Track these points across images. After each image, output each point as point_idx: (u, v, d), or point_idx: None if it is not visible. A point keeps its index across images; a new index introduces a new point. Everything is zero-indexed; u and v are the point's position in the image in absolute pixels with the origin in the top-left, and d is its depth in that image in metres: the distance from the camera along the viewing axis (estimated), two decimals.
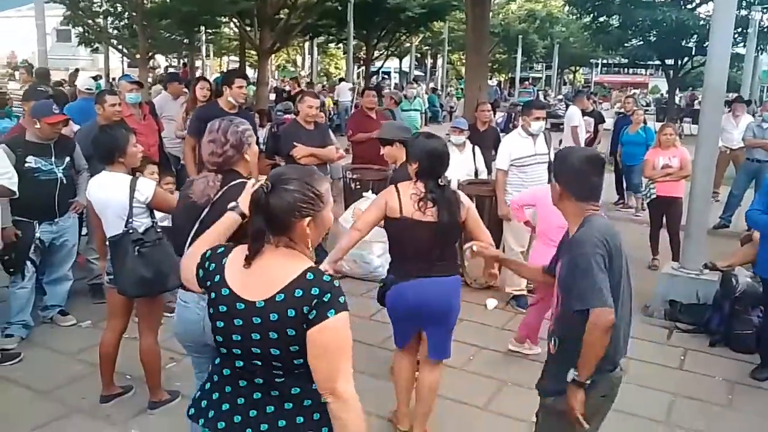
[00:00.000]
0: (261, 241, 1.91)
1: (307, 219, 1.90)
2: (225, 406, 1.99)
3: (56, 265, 4.98)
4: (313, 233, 1.94)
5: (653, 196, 6.96)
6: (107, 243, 3.69)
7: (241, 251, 1.97)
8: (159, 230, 3.64)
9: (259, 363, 1.90)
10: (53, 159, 4.66)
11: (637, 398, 4.20)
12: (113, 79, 18.76)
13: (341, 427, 1.85)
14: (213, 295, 1.96)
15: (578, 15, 25.48)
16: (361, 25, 25.45)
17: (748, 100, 11.71)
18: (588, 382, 2.41)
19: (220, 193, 2.75)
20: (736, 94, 13.34)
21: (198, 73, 27.56)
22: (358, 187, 6.48)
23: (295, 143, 5.76)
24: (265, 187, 1.88)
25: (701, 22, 20.52)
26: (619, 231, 2.56)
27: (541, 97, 28.40)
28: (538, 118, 5.60)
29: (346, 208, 6.69)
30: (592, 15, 23.92)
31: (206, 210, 2.75)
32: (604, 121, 10.89)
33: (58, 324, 4.99)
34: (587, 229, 2.49)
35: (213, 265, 2.00)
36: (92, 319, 5.05)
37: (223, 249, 2.03)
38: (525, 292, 5.70)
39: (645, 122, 9.63)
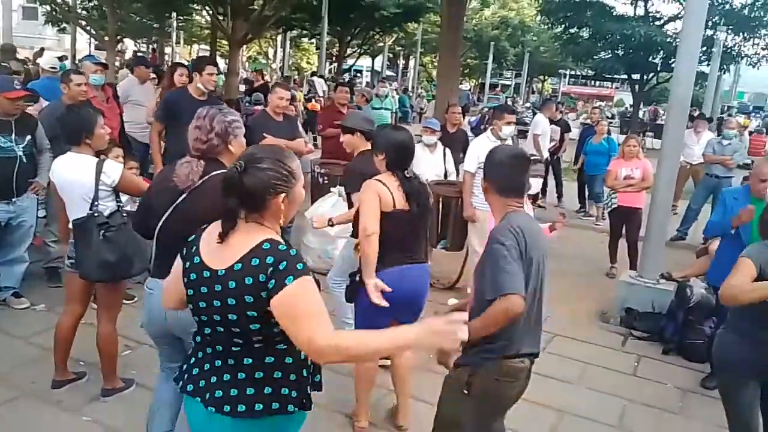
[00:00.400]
0: (233, 221, 1.98)
1: (282, 195, 1.97)
2: (195, 371, 2.10)
3: (12, 246, 4.86)
4: (287, 209, 2.02)
5: (614, 206, 7.09)
6: (70, 226, 3.60)
7: (217, 226, 2.03)
8: (124, 214, 3.57)
9: (221, 330, 1.98)
10: (13, 136, 4.53)
11: (591, 402, 4.29)
12: (78, 61, 18.33)
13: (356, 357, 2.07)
14: (187, 264, 2.06)
15: (550, 25, 25.79)
16: (335, 22, 25.37)
17: (710, 117, 12.01)
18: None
19: (200, 181, 2.69)
20: (698, 112, 13.69)
21: (167, 60, 27.14)
22: (326, 182, 6.44)
23: (264, 134, 5.72)
24: (238, 167, 1.93)
25: (668, 39, 20.96)
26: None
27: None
28: (509, 123, 5.66)
29: (313, 202, 6.66)
30: (563, 25, 24.23)
31: (183, 195, 2.71)
32: (570, 130, 11.05)
33: (12, 306, 4.87)
34: (504, 222, 2.59)
35: (194, 237, 2.11)
36: (47, 303, 4.94)
37: (206, 226, 2.11)
38: None
39: (609, 133, 9.81)
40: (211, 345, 2.05)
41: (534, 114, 12.64)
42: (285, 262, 1.90)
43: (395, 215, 3.34)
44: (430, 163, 6.38)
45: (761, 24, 20.80)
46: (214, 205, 2.54)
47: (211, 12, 20.40)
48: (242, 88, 20.04)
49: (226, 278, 1.93)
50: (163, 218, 2.74)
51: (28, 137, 4.67)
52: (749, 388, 3.03)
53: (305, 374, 2.09)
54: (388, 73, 38.38)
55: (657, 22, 23.04)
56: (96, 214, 3.44)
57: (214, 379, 2.04)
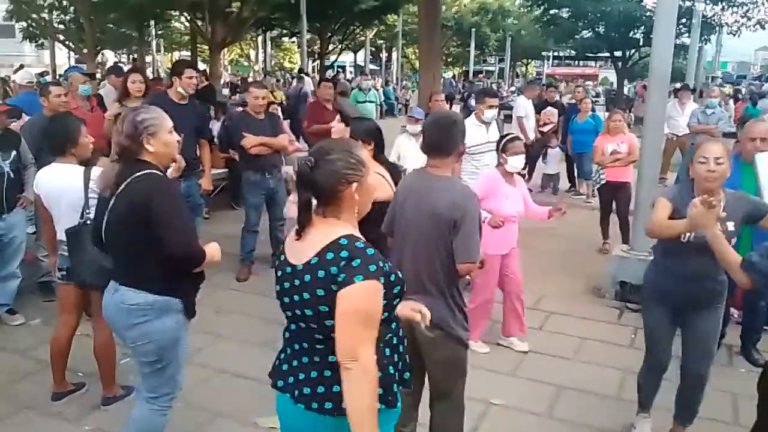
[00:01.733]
0: (308, 215, 1.98)
1: (354, 185, 1.97)
2: (284, 367, 2.11)
3: (4, 262, 4.85)
4: (361, 199, 2.00)
5: (603, 182, 7.12)
6: (58, 238, 3.60)
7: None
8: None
9: (303, 325, 2.00)
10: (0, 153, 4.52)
11: (589, 376, 4.33)
12: (62, 73, 18.21)
13: (354, 395, 1.86)
14: (277, 262, 2.12)
15: (529, 7, 25.82)
16: (314, 19, 25.26)
17: (693, 88, 12.07)
18: None
19: (124, 184, 2.68)
20: (682, 83, 13.72)
21: (149, 70, 27.02)
22: None
23: (244, 133, 5.73)
24: (309, 162, 1.95)
25: (647, 14, 21.00)
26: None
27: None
28: (491, 107, 5.69)
29: None
30: (542, 7, 24.27)
31: (113, 201, 2.71)
32: (565, 112, 11.06)
33: (6, 323, 4.86)
34: None
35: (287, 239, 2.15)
36: (42, 317, 4.94)
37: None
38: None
39: (593, 110, 9.83)
40: (298, 341, 2.06)
41: None
42: (359, 260, 1.88)
43: (391, 203, 3.29)
44: (416, 151, 6.38)
45: None
46: (134, 206, 2.63)
47: (189, 18, 20.29)
48: (225, 91, 20.00)
49: (303, 273, 1.95)
50: (103, 227, 2.78)
51: (14, 153, 4.67)
52: (656, 312, 3.40)
53: (392, 371, 2.06)
54: (372, 67, 38.33)
55: None
56: (88, 222, 3.44)
57: (302, 375, 2.03)
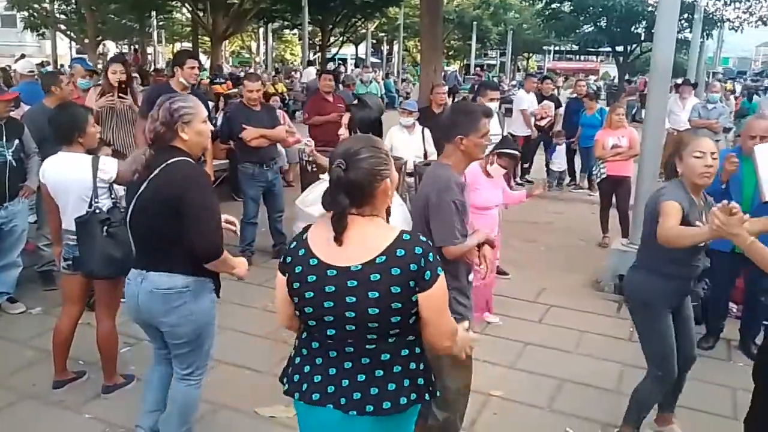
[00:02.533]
0: (345, 218, 1.94)
1: (387, 180, 1.98)
2: (317, 378, 2.03)
3: (5, 251, 4.86)
4: (391, 191, 2.04)
5: (603, 176, 7.12)
6: (64, 227, 3.60)
7: (320, 226, 2.03)
8: (122, 210, 3.58)
9: (353, 327, 1.94)
10: (4, 141, 4.53)
11: (589, 369, 4.34)
12: (68, 63, 18.14)
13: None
14: (299, 268, 2.00)
15: (531, 1, 25.77)
16: (316, 11, 25.20)
17: (695, 83, 12.05)
18: None
19: (158, 169, 2.70)
20: (683, 78, 13.70)
21: (151, 60, 26.96)
22: (314, 169, 6.45)
23: (243, 125, 5.75)
24: (341, 165, 1.92)
25: (650, 8, 20.96)
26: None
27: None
28: (492, 99, 5.69)
29: (303, 190, 6.67)
30: (544, 1, 24.23)
31: (143, 186, 2.74)
32: (561, 106, 11.04)
33: (7, 311, 4.87)
34: None
35: (294, 243, 2.07)
36: (43, 306, 4.96)
37: (303, 229, 2.10)
38: None
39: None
40: (337, 347, 2.00)
41: None
42: (431, 254, 1.93)
43: None
44: (409, 143, 6.41)
45: None
46: (168, 195, 2.67)
47: (191, 9, 20.26)
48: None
49: (366, 272, 1.90)
50: (129, 210, 2.80)
51: (16, 142, 4.67)
52: (664, 317, 3.28)
53: (428, 362, 2.12)
54: (373, 59, 38.23)
55: None
56: (97, 211, 3.46)
57: (346, 382, 1.99)
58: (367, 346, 1.96)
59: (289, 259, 2.04)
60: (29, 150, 4.82)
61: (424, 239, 1.98)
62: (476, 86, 18.98)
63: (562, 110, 10.79)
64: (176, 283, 2.78)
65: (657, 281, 3.25)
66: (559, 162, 10.29)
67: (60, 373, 3.86)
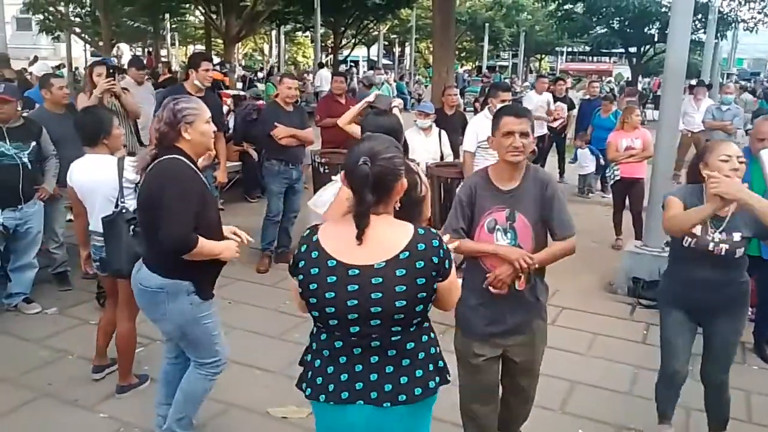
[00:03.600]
0: (369, 217, 1.98)
1: (404, 178, 2.06)
2: (344, 377, 2.07)
3: (21, 252, 4.91)
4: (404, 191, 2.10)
5: (617, 178, 7.09)
6: (91, 228, 3.69)
7: (331, 227, 2.09)
8: None
9: (378, 322, 1.99)
10: (7, 142, 4.57)
11: (602, 371, 4.33)
12: (83, 66, 18.30)
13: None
14: (316, 270, 2.01)
15: (544, 2, 25.66)
16: (328, 13, 25.24)
17: (709, 84, 11.97)
18: None
19: (150, 166, 2.82)
20: (697, 79, 13.62)
21: (163, 62, 27.09)
22: (327, 170, 6.47)
23: (276, 124, 5.83)
24: (366, 163, 1.95)
25: (663, 9, 20.83)
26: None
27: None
28: (503, 101, 5.67)
29: (315, 191, 6.69)
30: (557, 2, 24.13)
31: (141, 184, 2.88)
32: (574, 107, 10.98)
33: (24, 311, 4.91)
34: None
35: (304, 246, 2.07)
36: (58, 307, 5.00)
37: (308, 231, 2.11)
38: None
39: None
40: (361, 344, 2.04)
41: None
42: (446, 245, 2.05)
43: None
44: (425, 146, 6.41)
45: None
46: (151, 190, 2.77)
47: (204, 11, 20.38)
48: (239, 85, 20.08)
49: (391, 268, 1.95)
50: (123, 215, 2.99)
51: (33, 143, 4.72)
52: (666, 313, 3.33)
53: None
54: (385, 61, 38.28)
55: None
56: (123, 211, 3.52)
57: (374, 376, 2.04)
58: (393, 338, 2.03)
59: (302, 263, 2.05)
60: (46, 152, 4.88)
61: (435, 231, 2.07)
62: (486, 89, 18.99)
63: (575, 112, 10.74)
64: (154, 282, 2.89)
65: (665, 278, 3.45)
66: (587, 165, 9.89)
67: (99, 358, 4.00)
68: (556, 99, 10.33)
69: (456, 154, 6.72)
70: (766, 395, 4.10)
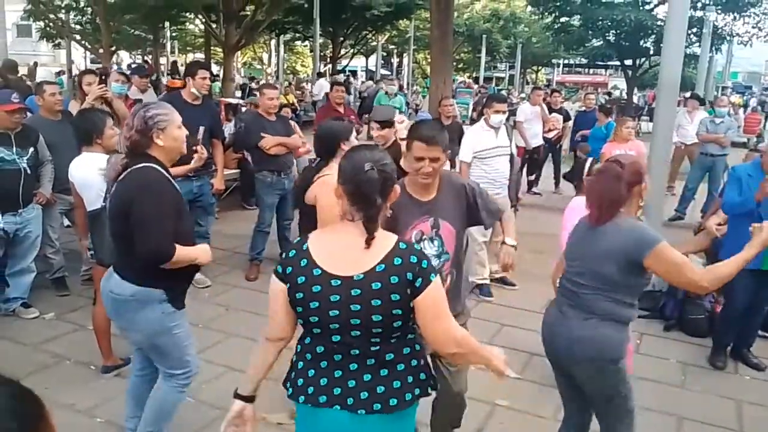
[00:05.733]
0: (378, 221, 2.03)
1: (396, 187, 2.12)
2: (323, 381, 2.08)
3: (19, 257, 4.94)
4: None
5: None
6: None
7: (323, 235, 2.12)
8: None
9: (358, 333, 2.00)
10: (14, 149, 4.63)
11: None
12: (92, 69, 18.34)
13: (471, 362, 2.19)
14: (302, 279, 2.03)
15: (540, 15, 25.81)
16: (327, 23, 25.42)
17: (702, 99, 12.01)
18: None
19: (122, 175, 2.79)
20: (691, 92, 13.72)
21: (163, 70, 27.17)
22: None
23: (262, 134, 5.83)
24: (374, 169, 2.01)
25: (658, 23, 20.97)
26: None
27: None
28: (498, 111, 5.73)
29: None
30: (553, 15, 24.24)
31: (112, 190, 2.85)
32: (570, 119, 11.06)
33: (21, 316, 4.94)
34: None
35: (293, 251, 2.09)
36: (56, 311, 5.02)
37: (299, 239, 2.13)
38: (488, 281, 5.83)
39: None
40: (342, 351, 2.05)
41: None
42: (426, 261, 2.01)
43: None
44: None
45: (750, 2, 20.78)
46: (122, 200, 2.75)
47: (204, 20, 20.48)
48: (238, 93, 20.15)
49: (367, 281, 1.96)
50: (106, 210, 2.96)
51: (31, 149, 4.77)
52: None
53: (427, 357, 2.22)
54: (383, 71, 38.42)
55: (646, 6, 23.06)
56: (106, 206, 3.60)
57: (352, 383, 2.05)
58: (372, 348, 2.03)
59: (290, 269, 2.06)
60: (43, 157, 4.93)
61: (419, 248, 2.07)
62: (483, 99, 19.08)
63: (570, 123, 10.83)
64: (124, 290, 2.82)
65: (619, 331, 2.86)
66: None
67: (107, 359, 4.08)
68: (551, 110, 10.42)
69: (453, 165, 6.77)
70: (758, 405, 4.15)
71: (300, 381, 2.13)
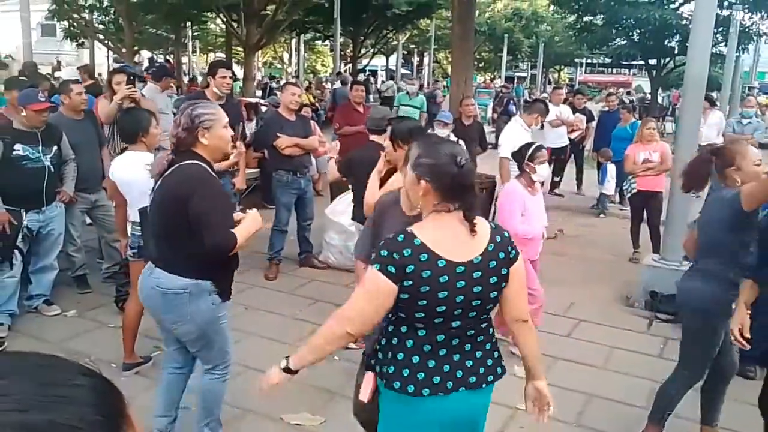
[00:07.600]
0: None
1: None
2: (446, 368, 2.16)
3: (42, 255, 4.98)
4: None
5: (634, 191, 7.05)
6: (131, 219, 3.89)
7: (431, 228, 2.10)
8: None
9: (474, 314, 2.14)
10: (40, 147, 4.67)
11: (618, 385, 4.29)
12: (105, 71, 18.53)
13: (534, 340, 2.35)
14: (428, 273, 2.02)
15: (563, 14, 25.63)
16: (348, 22, 25.42)
17: (713, 99, 11.66)
18: None
19: (168, 171, 2.84)
20: (716, 93, 13.51)
21: (184, 70, 27.42)
22: (344, 179, 6.51)
23: (278, 134, 5.83)
24: (468, 160, 2.12)
25: (684, 22, 20.70)
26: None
27: (526, 95, 28.45)
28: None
29: (332, 199, 6.74)
30: (577, 14, 24.05)
31: (157, 185, 2.91)
32: (593, 119, 10.93)
33: (43, 313, 4.98)
34: None
35: (407, 250, 2.03)
36: (77, 309, 5.06)
37: (402, 236, 2.07)
38: None
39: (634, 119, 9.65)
40: (459, 335, 2.15)
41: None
42: (508, 233, 2.23)
43: None
44: None
45: None
46: (174, 197, 2.78)
47: (225, 19, 20.59)
48: (258, 93, 20.23)
49: (485, 262, 2.10)
50: (148, 205, 3.00)
51: (55, 148, 4.80)
52: (720, 329, 3.21)
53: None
54: (403, 71, 38.37)
55: (672, 5, 22.74)
56: None
57: (470, 362, 2.18)
58: (482, 325, 2.21)
59: (410, 267, 2.01)
60: (66, 156, 4.96)
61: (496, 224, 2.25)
62: (503, 98, 18.93)
63: (594, 124, 10.70)
64: (175, 284, 2.87)
65: (721, 290, 3.18)
66: (610, 185, 9.36)
67: (129, 356, 4.10)
68: (575, 111, 10.31)
69: (474, 164, 6.73)
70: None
71: (421, 375, 2.13)
